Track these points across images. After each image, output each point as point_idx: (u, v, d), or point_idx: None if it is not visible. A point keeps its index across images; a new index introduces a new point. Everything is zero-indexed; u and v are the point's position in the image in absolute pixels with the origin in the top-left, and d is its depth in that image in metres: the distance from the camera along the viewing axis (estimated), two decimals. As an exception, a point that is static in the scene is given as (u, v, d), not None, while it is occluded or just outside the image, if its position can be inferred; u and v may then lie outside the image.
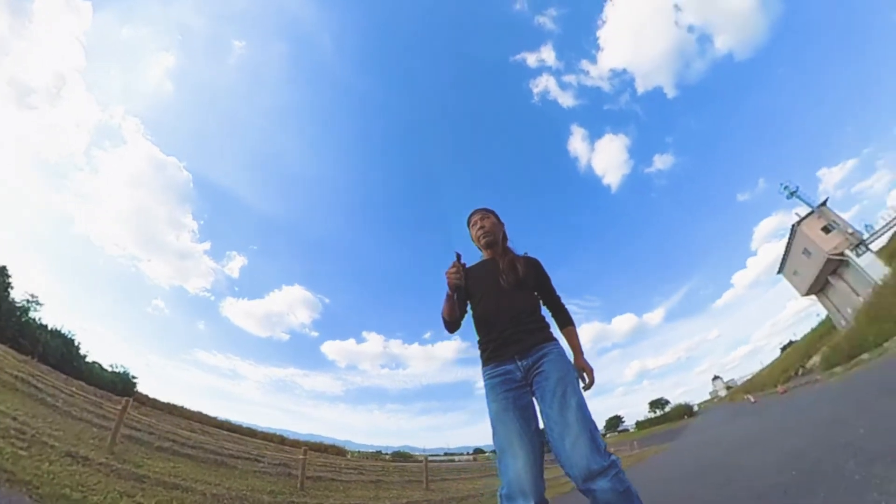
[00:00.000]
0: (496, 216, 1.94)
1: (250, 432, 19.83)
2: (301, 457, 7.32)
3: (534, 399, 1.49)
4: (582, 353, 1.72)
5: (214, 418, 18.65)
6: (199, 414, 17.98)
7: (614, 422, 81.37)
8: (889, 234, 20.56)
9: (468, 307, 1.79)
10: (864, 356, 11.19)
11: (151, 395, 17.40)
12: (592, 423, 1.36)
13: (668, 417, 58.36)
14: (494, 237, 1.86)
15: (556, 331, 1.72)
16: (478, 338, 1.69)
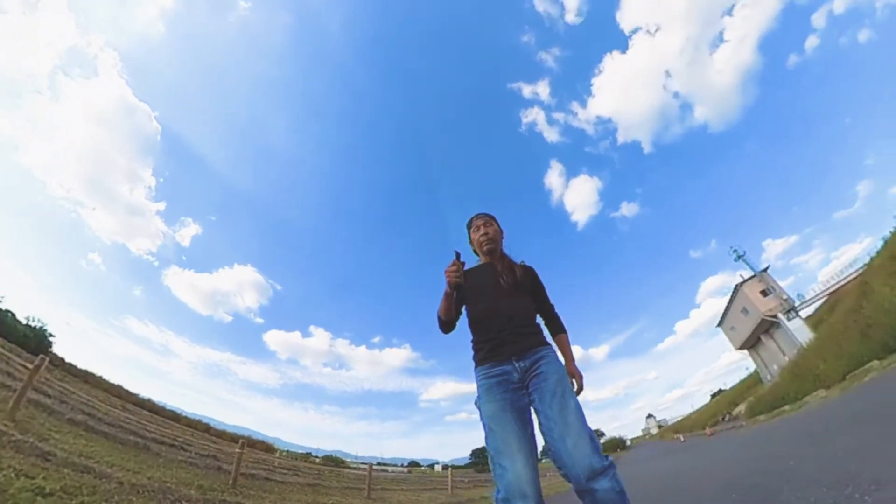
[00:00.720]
0: (498, 223, 1.93)
1: (173, 416, 18.02)
2: (237, 450, 6.64)
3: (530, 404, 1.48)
4: (573, 360, 1.73)
5: (136, 395, 16.75)
6: (120, 388, 16.06)
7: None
8: (816, 304, 23.14)
9: (463, 310, 1.77)
10: (786, 408, 12.31)
11: (68, 359, 15.28)
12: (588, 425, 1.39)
13: (602, 449, 60.76)
14: (496, 244, 1.86)
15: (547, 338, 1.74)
16: (472, 338, 1.67)
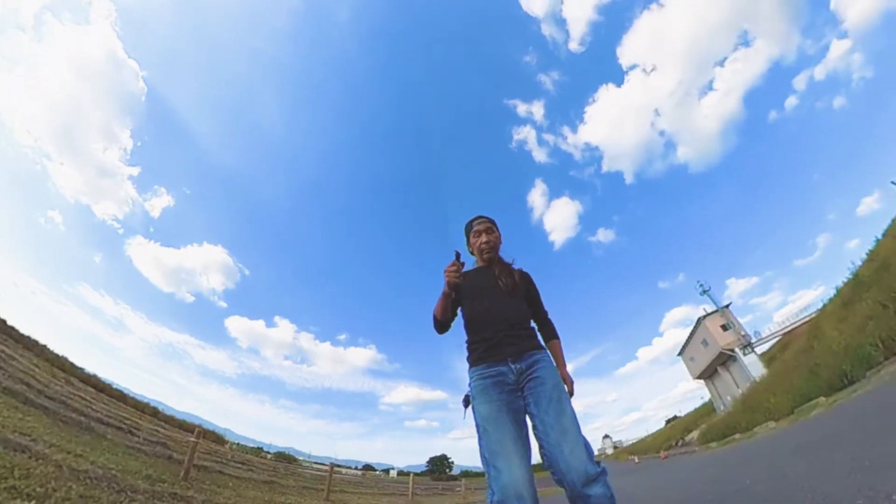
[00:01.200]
0: (498, 229, 1.93)
1: (121, 395, 16.72)
2: (191, 439, 6.22)
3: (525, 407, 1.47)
4: (566, 365, 1.77)
5: (82, 370, 15.41)
6: (65, 360, 14.73)
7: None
8: (771, 343, 24.64)
9: (458, 311, 1.77)
10: (737, 436, 13.03)
11: (10, 322, 13.87)
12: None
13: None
14: (496, 252, 1.87)
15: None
16: (468, 338, 1.67)
